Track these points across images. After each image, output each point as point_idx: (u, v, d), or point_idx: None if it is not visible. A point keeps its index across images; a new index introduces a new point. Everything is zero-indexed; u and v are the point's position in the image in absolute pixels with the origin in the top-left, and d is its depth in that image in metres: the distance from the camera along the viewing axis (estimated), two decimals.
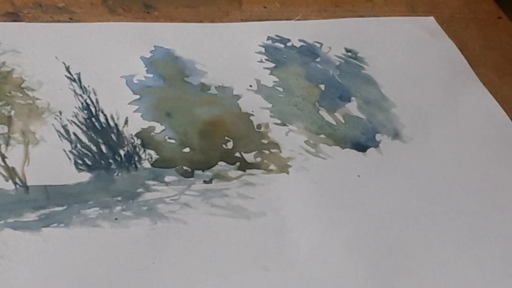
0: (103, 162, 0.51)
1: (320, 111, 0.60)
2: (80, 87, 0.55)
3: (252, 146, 0.55)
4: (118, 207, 0.48)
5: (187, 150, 0.54)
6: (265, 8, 0.68)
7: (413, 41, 0.70)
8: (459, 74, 0.68)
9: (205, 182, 0.52)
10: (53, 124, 0.52)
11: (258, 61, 0.63)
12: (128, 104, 0.55)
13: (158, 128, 0.54)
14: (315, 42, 0.66)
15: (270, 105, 0.59)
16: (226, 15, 0.67)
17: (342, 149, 0.57)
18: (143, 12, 0.64)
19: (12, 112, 0.52)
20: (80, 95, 0.55)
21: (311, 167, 0.55)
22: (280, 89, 0.61)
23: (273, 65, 0.63)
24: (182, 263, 0.47)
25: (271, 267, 0.48)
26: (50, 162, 0.50)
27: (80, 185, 0.49)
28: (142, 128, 0.54)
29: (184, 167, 0.52)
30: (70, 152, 0.51)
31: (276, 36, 0.66)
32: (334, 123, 0.59)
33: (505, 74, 0.69)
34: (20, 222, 0.46)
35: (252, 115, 0.58)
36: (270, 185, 0.53)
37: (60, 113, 0.53)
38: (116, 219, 0.48)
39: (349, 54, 0.66)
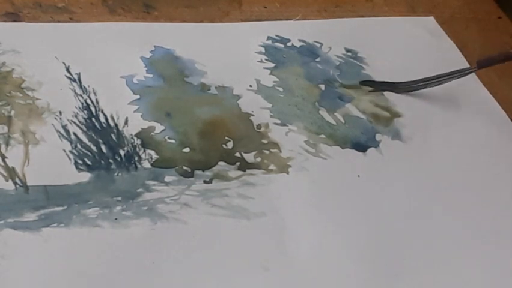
0: (103, 162, 0.51)
1: (320, 111, 0.60)
2: (80, 87, 0.55)
3: (252, 146, 0.55)
4: (118, 207, 0.48)
5: (187, 150, 0.54)
6: (265, 8, 0.68)
7: (413, 41, 0.70)
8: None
9: (205, 182, 0.52)
10: (53, 124, 0.52)
11: (258, 61, 0.63)
12: (128, 104, 0.55)
13: (158, 128, 0.54)
14: (315, 42, 0.66)
15: (270, 105, 0.59)
16: (226, 15, 0.67)
17: (342, 149, 0.57)
18: (143, 12, 0.64)
19: (12, 112, 0.52)
20: (80, 95, 0.55)
21: (311, 167, 0.55)
22: (280, 89, 0.61)
23: (273, 65, 0.63)
24: (182, 263, 0.47)
25: (271, 267, 0.48)
26: (50, 162, 0.50)
27: (80, 185, 0.49)
28: (142, 128, 0.54)
29: (184, 167, 0.52)
30: (70, 152, 0.51)
31: (276, 36, 0.66)
32: (334, 123, 0.59)
33: (505, 74, 0.69)
34: (20, 222, 0.46)
35: (252, 115, 0.58)
36: (270, 185, 0.53)
37: (60, 113, 0.53)
38: (116, 219, 0.48)
39: (349, 54, 0.66)
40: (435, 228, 0.54)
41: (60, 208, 0.47)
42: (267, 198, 0.52)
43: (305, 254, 0.49)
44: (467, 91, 0.66)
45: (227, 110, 0.57)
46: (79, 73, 0.56)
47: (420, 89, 0.63)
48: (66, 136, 0.52)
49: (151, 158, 0.52)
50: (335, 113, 0.60)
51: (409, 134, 0.60)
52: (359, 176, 0.56)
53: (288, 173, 0.54)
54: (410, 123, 0.61)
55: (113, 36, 0.60)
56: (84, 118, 0.53)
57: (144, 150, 0.52)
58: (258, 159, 0.54)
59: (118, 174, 0.50)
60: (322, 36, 0.67)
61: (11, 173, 0.48)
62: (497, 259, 0.53)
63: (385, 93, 0.63)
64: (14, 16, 0.60)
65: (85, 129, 0.53)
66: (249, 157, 0.54)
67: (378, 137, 0.59)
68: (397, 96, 0.63)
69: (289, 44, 0.65)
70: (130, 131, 0.53)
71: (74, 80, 0.56)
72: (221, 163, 0.53)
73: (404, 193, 0.55)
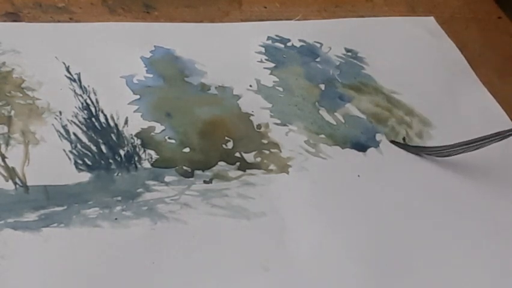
0: (103, 162, 0.51)
1: (320, 111, 0.60)
2: (80, 87, 0.55)
3: (252, 146, 0.55)
4: (118, 207, 0.48)
5: (187, 150, 0.54)
6: (265, 8, 0.68)
7: (413, 41, 0.70)
8: (459, 74, 0.68)
9: (205, 182, 0.52)
10: (53, 124, 0.52)
11: (258, 61, 0.63)
12: (128, 104, 0.55)
13: (158, 128, 0.54)
14: (315, 42, 0.66)
15: (270, 105, 0.59)
16: (226, 15, 0.67)
17: (342, 149, 0.57)
18: (143, 12, 0.64)
19: (12, 112, 0.52)
20: (80, 95, 0.55)
21: (311, 167, 0.55)
22: (280, 89, 0.61)
23: (273, 65, 0.63)
24: (182, 263, 0.47)
25: (271, 267, 0.48)
26: (50, 162, 0.50)
27: (80, 185, 0.49)
28: (142, 128, 0.54)
29: (184, 167, 0.52)
30: (70, 152, 0.51)
31: (276, 36, 0.66)
32: (334, 123, 0.59)
33: (505, 74, 0.69)
34: (20, 222, 0.46)
35: (252, 115, 0.58)
36: (270, 185, 0.53)
37: (60, 113, 0.53)
38: (116, 219, 0.48)
39: (349, 54, 0.66)
40: (435, 228, 0.54)
41: (60, 208, 0.47)
42: (267, 198, 0.52)
43: (305, 254, 0.49)
44: (467, 91, 0.66)
45: (227, 110, 0.57)
46: (79, 73, 0.56)
47: (459, 153, 0.57)
48: (66, 136, 0.52)
49: (151, 158, 0.52)
50: (335, 113, 0.60)
51: (409, 134, 0.60)
52: (359, 176, 0.56)
53: (288, 173, 0.54)
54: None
55: (113, 36, 0.60)
56: (84, 118, 0.53)
57: (144, 150, 0.52)
58: (258, 159, 0.54)
59: (118, 174, 0.51)
60: (322, 36, 0.67)
61: (11, 173, 0.48)
62: (497, 259, 0.53)
63: (384, 91, 0.63)
64: (14, 16, 0.60)
65: (85, 129, 0.53)
66: (249, 157, 0.54)
67: (378, 137, 0.59)
68: (397, 95, 0.63)
69: (289, 44, 0.65)
70: (130, 131, 0.53)
71: (74, 80, 0.56)
72: (221, 163, 0.53)
73: (404, 193, 0.55)
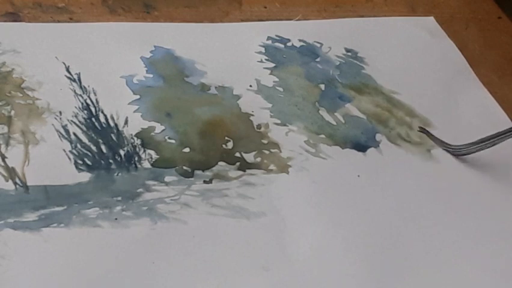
0: (103, 162, 0.51)
1: (320, 111, 0.60)
2: (80, 87, 0.55)
3: (252, 146, 0.55)
4: (118, 207, 0.48)
5: (187, 150, 0.54)
6: (265, 8, 0.68)
7: (413, 41, 0.70)
8: (459, 74, 0.68)
9: (205, 182, 0.52)
10: (53, 124, 0.52)
11: (258, 61, 0.63)
12: (128, 104, 0.55)
13: (158, 128, 0.54)
14: (315, 42, 0.66)
15: (270, 105, 0.59)
16: (226, 15, 0.67)
17: (342, 149, 0.57)
18: (143, 12, 0.64)
19: (12, 112, 0.52)
20: (80, 95, 0.55)
21: (311, 167, 0.55)
22: (280, 89, 0.61)
23: (273, 65, 0.63)
24: (182, 263, 0.47)
25: (271, 267, 0.48)
26: (50, 162, 0.50)
27: (80, 185, 0.49)
28: (142, 128, 0.54)
29: (184, 167, 0.52)
30: (70, 152, 0.51)
31: (276, 36, 0.66)
32: (334, 123, 0.59)
33: (505, 74, 0.69)
34: (20, 222, 0.46)
35: (252, 115, 0.58)
36: (270, 185, 0.53)
37: (60, 113, 0.53)
38: (116, 219, 0.48)
39: (349, 54, 0.66)
40: (435, 228, 0.54)
41: (61, 208, 0.47)
42: (267, 198, 0.52)
43: (305, 254, 0.49)
44: (467, 91, 0.66)
45: (227, 110, 0.57)
46: (79, 73, 0.56)
47: (476, 151, 0.59)
48: (66, 136, 0.52)
49: (151, 158, 0.52)
50: (335, 113, 0.60)
51: (410, 134, 0.60)
52: (359, 176, 0.56)
53: (288, 173, 0.54)
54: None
55: (113, 36, 0.60)
56: (84, 118, 0.53)
57: (144, 150, 0.52)
58: (258, 159, 0.54)
59: (118, 174, 0.51)
60: (322, 36, 0.67)
61: (11, 173, 0.48)
62: (497, 259, 0.53)
63: (383, 91, 0.63)
64: (14, 16, 0.60)
65: (85, 129, 0.53)
66: (249, 157, 0.54)
67: (378, 137, 0.59)
68: (397, 95, 0.63)
69: (289, 44, 0.65)
70: (130, 131, 0.53)
71: (74, 80, 0.56)
72: (221, 163, 0.53)
73: (404, 193, 0.55)
